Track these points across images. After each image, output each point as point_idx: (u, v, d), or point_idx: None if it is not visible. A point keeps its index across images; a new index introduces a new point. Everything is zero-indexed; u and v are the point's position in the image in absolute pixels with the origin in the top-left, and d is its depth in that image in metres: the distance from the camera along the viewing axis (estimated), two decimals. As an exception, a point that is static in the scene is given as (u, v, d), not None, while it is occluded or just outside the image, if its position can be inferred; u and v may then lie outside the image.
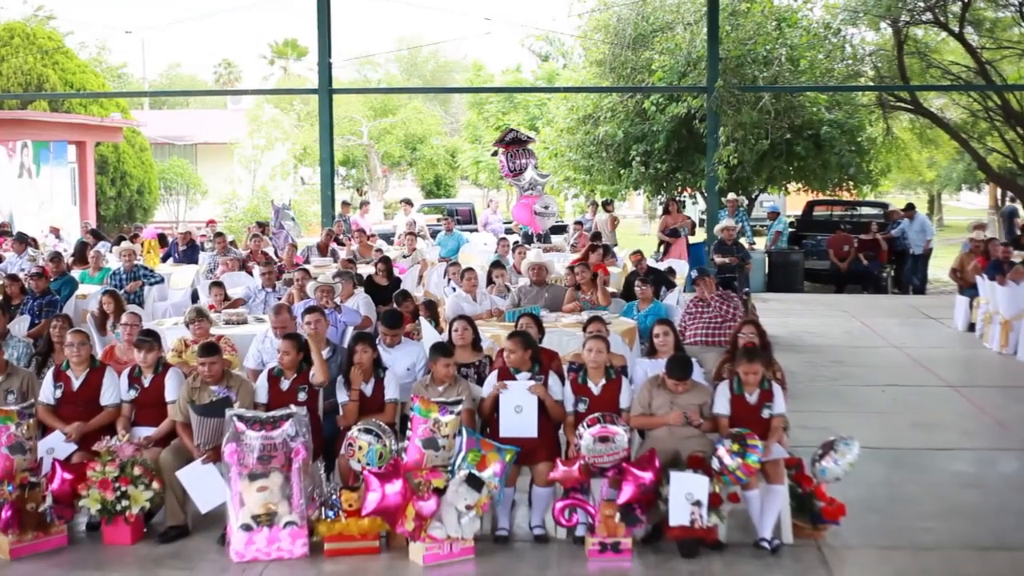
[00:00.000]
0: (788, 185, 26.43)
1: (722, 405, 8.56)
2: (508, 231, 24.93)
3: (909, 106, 27.50)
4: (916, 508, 9.11)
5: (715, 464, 8.00)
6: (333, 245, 19.87)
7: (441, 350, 9.05)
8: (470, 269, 13.78)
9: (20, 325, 12.52)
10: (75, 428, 8.90)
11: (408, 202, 26.57)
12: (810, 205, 28.93)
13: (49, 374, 9.39)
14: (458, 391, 8.74)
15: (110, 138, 35.64)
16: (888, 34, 27.94)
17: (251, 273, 16.48)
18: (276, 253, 18.94)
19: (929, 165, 44.70)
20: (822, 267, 24.96)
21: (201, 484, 8.33)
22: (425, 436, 8.13)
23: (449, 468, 8.07)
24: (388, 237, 24.47)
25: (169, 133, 47.02)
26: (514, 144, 21.13)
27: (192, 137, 48.51)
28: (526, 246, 17.98)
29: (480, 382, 9.39)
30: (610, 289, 14.48)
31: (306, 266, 15.84)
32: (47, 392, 9.19)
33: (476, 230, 27.41)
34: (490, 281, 14.40)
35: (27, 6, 47.79)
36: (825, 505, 8.30)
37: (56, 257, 15.76)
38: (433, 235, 23.62)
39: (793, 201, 32.90)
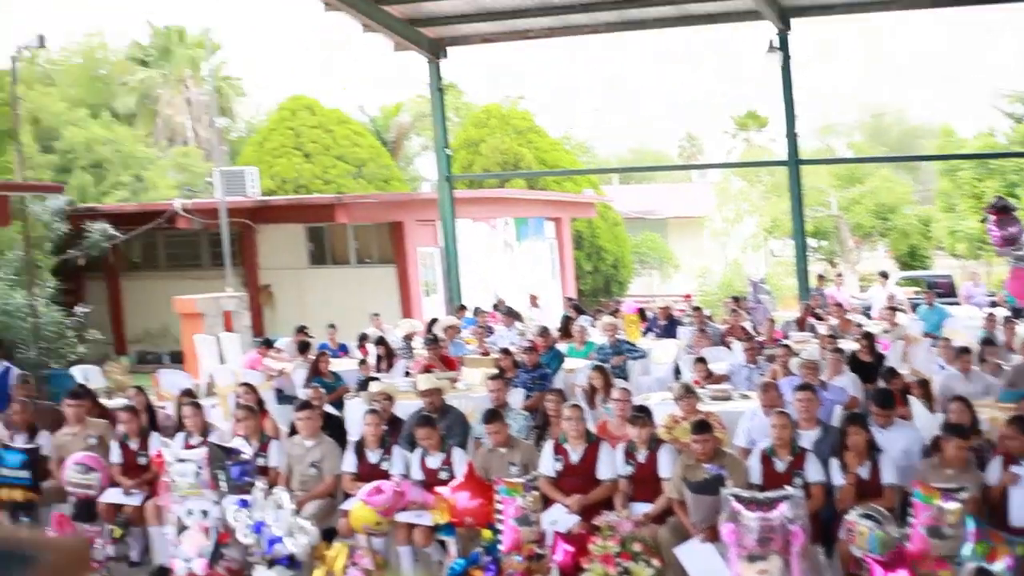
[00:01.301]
0: None
1: None
2: (993, 304, 23.73)
3: None
4: None
5: None
6: (811, 319, 19.66)
7: (955, 430, 8.70)
8: (966, 350, 13.14)
9: (515, 397, 13.16)
10: (576, 500, 9.22)
11: (884, 275, 25.94)
12: None
13: (548, 447, 9.80)
14: (963, 477, 8.37)
15: (584, 214, 37.00)
16: None
17: (729, 347, 16.59)
18: (754, 327, 18.94)
19: None
20: None
21: (700, 562, 8.42)
22: (928, 524, 7.84)
23: (956, 559, 7.72)
24: (865, 311, 23.91)
25: (638, 207, 48.32)
26: (1004, 212, 20.16)
27: (661, 211, 49.58)
28: (1016, 321, 17.06)
29: (981, 467, 8.96)
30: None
31: (786, 341, 15.73)
32: (547, 465, 9.59)
33: (957, 303, 26.29)
34: (982, 359, 13.74)
35: (500, 87, 50.76)
36: None
37: (544, 331, 16.52)
38: (912, 308, 22.86)
39: None
